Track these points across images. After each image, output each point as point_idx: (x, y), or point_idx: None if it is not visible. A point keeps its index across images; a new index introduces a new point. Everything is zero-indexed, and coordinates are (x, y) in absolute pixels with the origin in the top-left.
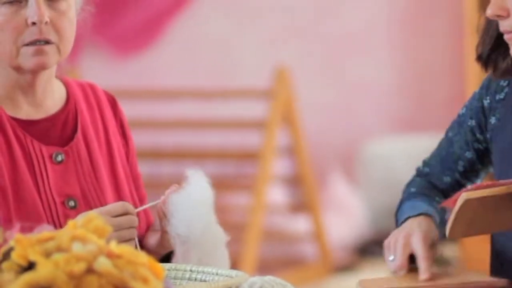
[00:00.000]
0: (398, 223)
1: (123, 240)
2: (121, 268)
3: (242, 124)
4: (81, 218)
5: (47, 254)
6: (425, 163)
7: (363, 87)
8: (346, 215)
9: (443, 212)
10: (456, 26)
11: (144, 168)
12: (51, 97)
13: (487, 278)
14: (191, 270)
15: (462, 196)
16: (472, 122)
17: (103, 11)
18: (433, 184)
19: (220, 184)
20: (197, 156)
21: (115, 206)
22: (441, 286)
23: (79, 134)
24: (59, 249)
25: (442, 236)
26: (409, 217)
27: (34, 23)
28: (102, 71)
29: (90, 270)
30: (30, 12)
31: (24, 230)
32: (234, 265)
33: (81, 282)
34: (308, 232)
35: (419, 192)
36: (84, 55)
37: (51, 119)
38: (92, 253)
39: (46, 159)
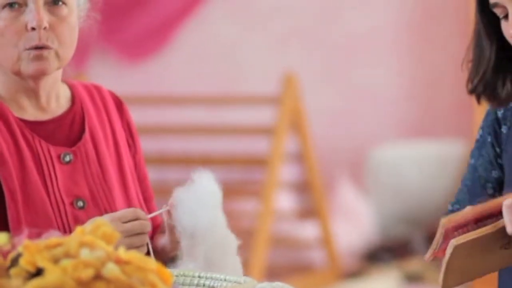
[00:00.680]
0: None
1: (134, 246)
2: (129, 274)
3: (250, 130)
4: (90, 224)
5: (55, 260)
6: (453, 202)
7: (371, 93)
8: (354, 221)
9: None
10: (463, 31)
11: (151, 174)
12: (56, 101)
13: None
14: (199, 276)
15: (451, 243)
16: (491, 138)
17: (111, 17)
18: None
19: (228, 190)
20: (205, 162)
21: (126, 212)
22: None
23: (86, 134)
24: (67, 255)
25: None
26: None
27: (33, 28)
28: (110, 77)
29: (98, 276)
30: (30, 17)
31: (32, 235)
32: (243, 271)
33: None
34: (316, 238)
35: None
36: (92, 61)
37: (57, 120)
38: (100, 259)
39: (54, 159)
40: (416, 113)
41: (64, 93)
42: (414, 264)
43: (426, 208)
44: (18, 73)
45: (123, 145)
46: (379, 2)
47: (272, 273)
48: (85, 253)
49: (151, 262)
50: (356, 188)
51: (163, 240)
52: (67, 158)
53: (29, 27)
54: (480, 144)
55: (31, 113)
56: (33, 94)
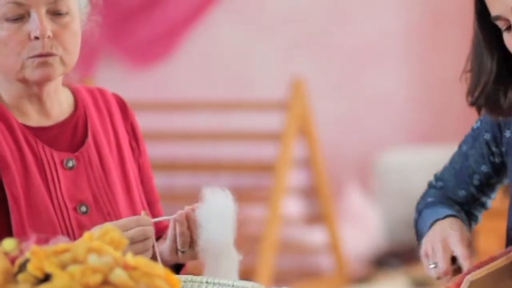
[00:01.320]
0: (421, 232)
1: (138, 253)
2: (137, 280)
3: (258, 135)
4: (97, 230)
5: (63, 266)
6: (438, 177)
7: (379, 99)
8: (362, 226)
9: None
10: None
11: (159, 180)
12: (59, 106)
13: None
14: (207, 282)
15: (467, 279)
16: (488, 136)
17: (119, 22)
18: (448, 197)
19: (236, 196)
20: (213, 168)
21: (128, 221)
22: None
23: (89, 139)
24: (75, 261)
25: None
26: (437, 220)
27: (36, 38)
28: (117, 82)
29: (106, 282)
30: (33, 26)
31: (39, 241)
32: (250, 277)
33: None
34: (324, 244)
35: (437, 201)
36: (100, 66)
37: (60, 126)
38: (108, 265)
39: (58, 165)
40: (424, 118)
41: (67, 98)
42: (421, 270)
43: None
44: (22, 80)
45: (126, 149)
46: (388, 8)
47: (280, 279)
48: (93, 259)
49: (159, 268)
50: (364, 194)
51: (162, 247)
52: (70, 164)
53: (32, 36)
54: (475, 134)
55: (35, 119)
56: (37, 100)
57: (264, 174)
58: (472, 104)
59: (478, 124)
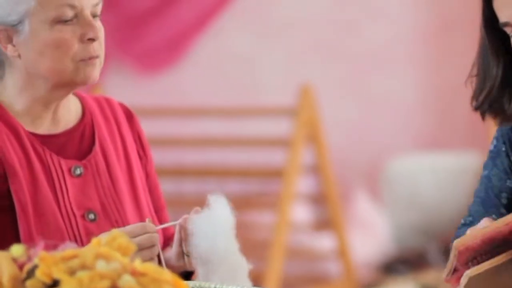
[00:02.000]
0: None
1: (144, 260)
2: (145, 286)
3: (267, 142)
4: (105, 236)
5: (71, 272)
6: (467, 215)
7: (387, 105)
8: (370, 232)
9: None
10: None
11: (168, 186)
12: (68, 114)
13: None
14: None
15: (466, 274)
16: (506, 147)
17: (127, 29)
18: None
19: (244, 202)
20: (221, 174)
21: (134, 228)
22: None
23: (96, 147)
24: (83, 267)
25: None
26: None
27: (90, 39)
28: (126, 89)
29: None
30: (87, 29)
31: (48, 247)
32: (259, 283)
33: None
34: (332, 250)
35: None
36: (108, 73)
37: (68, 133)
38: (116, 271)
39: (65, 172)
40: (432, 124)
41: (75, 106)
42: (430, 276)
43: (442, 219)
44: (68, 83)
45: (133, 157)
46: (395, 14)
47: (288, 285)
48: (101, 265)
49: (167, 274)
50: (372, 200)
51: (168, 253)
52: (78, 171)
53: (86, 38)
54: (494, 154)
55: (45, 127)
56: (54, 106)
57: (272, 180)
58: (476, 108)
59: (494, 142)
